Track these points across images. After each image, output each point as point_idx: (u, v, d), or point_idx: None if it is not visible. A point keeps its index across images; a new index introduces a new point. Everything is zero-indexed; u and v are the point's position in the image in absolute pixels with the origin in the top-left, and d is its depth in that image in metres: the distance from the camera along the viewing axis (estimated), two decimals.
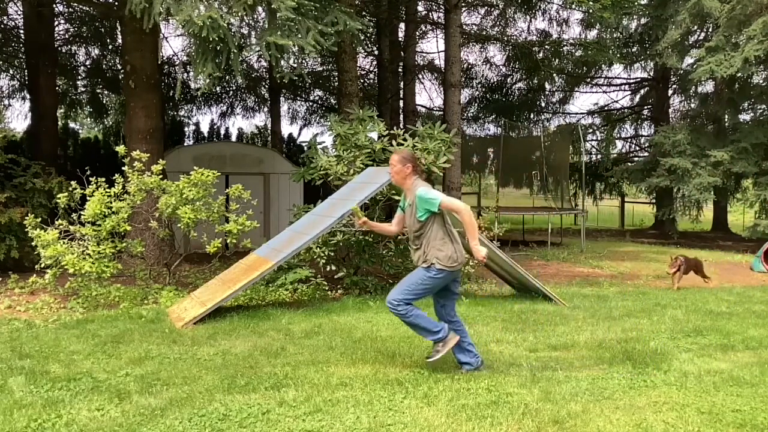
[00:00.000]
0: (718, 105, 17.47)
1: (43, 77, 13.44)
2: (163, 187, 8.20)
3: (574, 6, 16.83)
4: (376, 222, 5.16)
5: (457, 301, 4.95)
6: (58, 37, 16.48)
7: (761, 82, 17.39)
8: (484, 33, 20.75)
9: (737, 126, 16.77)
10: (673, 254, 10.65)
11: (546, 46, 21.06)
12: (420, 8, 18.97)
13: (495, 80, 23.33)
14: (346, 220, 8.27)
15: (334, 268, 8.78)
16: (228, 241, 8.06)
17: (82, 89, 19.80)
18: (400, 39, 18.43)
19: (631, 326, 6.49)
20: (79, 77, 19.11)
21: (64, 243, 7.53)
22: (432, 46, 67.68)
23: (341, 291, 8.49)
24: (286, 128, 27.46)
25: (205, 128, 24.07)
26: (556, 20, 20.90)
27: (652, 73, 22.23)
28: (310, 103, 24.36)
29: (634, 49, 20.02)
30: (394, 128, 9.63)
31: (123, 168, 8.29)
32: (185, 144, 20.35)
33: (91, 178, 7.98)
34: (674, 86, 21.93)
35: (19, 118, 65.95)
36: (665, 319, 6.84)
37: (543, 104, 24.24)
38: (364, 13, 15.60)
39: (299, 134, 34.59)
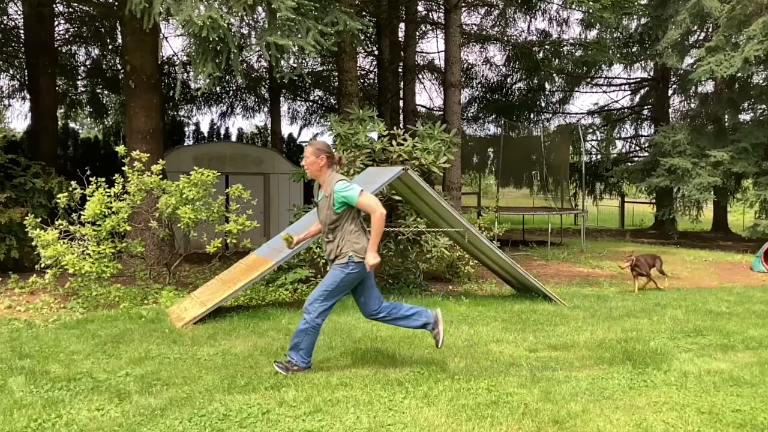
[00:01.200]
0: (718, 105, 17.47)
1: (43, 77, 13.45)
2: (163, 187, 8.20)
3: (574, 6, 16.83)
4: (313, 229, 5.11)
5: (374, 294, 4.80)
6: (58, 37, 16.48)
7: (761, 82, 17.39)
8: (484, 33, 20.75)
9: (737, 126, 16.78)
10: (645, 251, 10.58)
11: (546, 46, 21.06)
12: (420, 8, 18.97)
13: (495, 80, 23.34)
14: None
15: None
16: (228, 241, 8.06)
17: (82, 89, 19.81)
18: (400, 39, 18.43)
19: (631, 326, 6.49)
20: (79, 77, 19.12)
21: (64, 243, 7.54)
22: (432, 46, 67.77)
23: None
24: (286, 128, 27.52)
25: (205, 128, 24.12)
26: (556, 20, 20.92)
27: (652, 73, 22.24)
28: (310, 103, 24.36)
29: (634, 49, 20.02)
30: (394, 128, 9.63)
31: (123, 168, 8.29)
32: (185, 144, 20.36)
33: (91, 178, 7.98)
34: (674, 86, 21.94)
35: (19, 118, 66.02)
36: (665, 319, 6.84)
37: (543, 104, 24.24)
38: (364, 13, 15.60)
39: (299, 134, 34.59)
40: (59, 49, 16.66)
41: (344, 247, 4.53)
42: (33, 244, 7.68)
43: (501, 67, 22.84)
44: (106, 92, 20.29)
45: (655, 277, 9.42)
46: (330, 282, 4.58)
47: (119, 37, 15.67)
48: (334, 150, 4.68)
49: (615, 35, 19.61)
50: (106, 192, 7.92)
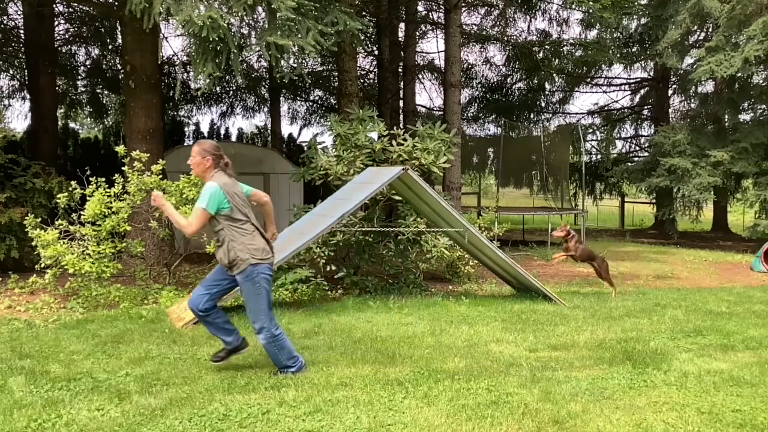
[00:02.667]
0: (718, 105, 17.46)
1: (43, 77, 13.44)
2: (163, 187, 8.20)
3: (574, 6, 16.82)
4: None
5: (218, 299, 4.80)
6: (58, 37, 16.47)
7: (761, 82, 17.38)
8: (484, 33, 20.74)
9: (737, 126, 16.76)
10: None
11: (546, 46, 21.05)
12: (420, 8, 18.97)
13: (495, 80, 23.33)
14: (345, 220, 8.27)
15: (334, 268, 8.78)
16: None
17: (82, 89, 19.80)
18: (400, 39, 18.42)
19: (631, 326, 6.49)
20: (79, 77, 19.11)
21: (64, 243, 7.53)
22: (432, 46, 67.71)
23: (341, 291, 8.49)
24: (286, 128, 27.50)
25: (205, 128, 24.06)
26: (556, 20, 20.90)
27: (652, 73, 22.23)
28: (310, 103, 24.36)
29: (634, 49, 20.00)
30: (394, 128, 9.63)
31: (123, 168, 8.29)
32: (185, 144, 20.34)
33: (91, 178, 7.98)
34: (674, 86, 21.93)
35: (19, 118, 65.96)
36: (665, 319, 6.84)
37: (543, 104, 24.23)
38: (364, 13, 15.60)
39: (299, 134, 34.61)
40: (59, 49, 16.65)
41: (238, 254, 4.43)
42: (33, 244, 7.68)
43: (501, 67, 22.83)
44: (106, 92, 20.28)
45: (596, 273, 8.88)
46: (252, 298, 4.51)
47: (119, 37, 15.66)
48: (221, 152, 4.59)
49: (615, 35, 19.60)
50: (106, 192, 7.92)
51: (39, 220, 7.98)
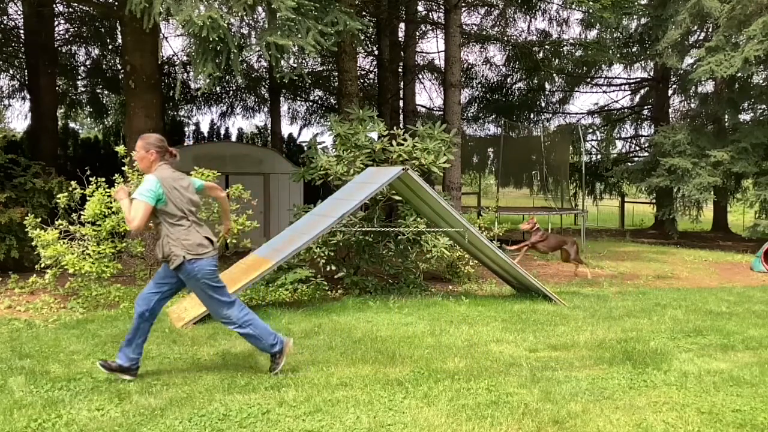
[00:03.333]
0: (718, 105, 17.46)
1: (43, 77, 13.45)
2: None
3: (574, 6, 16.82)
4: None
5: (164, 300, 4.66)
6: (58, 37, 16.49)
7: (761, 82, 17.39)
8: (484, 33, 20.75)
9: (737, 126, 16.76)
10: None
11: (546, 46, 21.06)
12: (420, 8, 18.97)
13: (495, 80, 23.34)
14: (345, 220, 8.27)
15: (334, 268, 8.78)
16: (228, 241, 8.05)
17: (82, 89, 19.81)
18: (400, 39, 18.43)
19: (631, 326, 6.49)
20: (79, 77, 19.12)
21: (64, 243, 7.53)
22: (432, 46, 67.75)
23: (341, 291, 8.49)
24: (286, 128, 27.49)
25: (205, 128, 24.10)
26: (556, 20, 20.91)
27: (652, 73, 22.23)
28: (310, 103, 24.36)
29: (634, 49, 20.01)
30: (394, 128, 9.63)
31: (123, 168, 8.29)
32: (185, 144, 20.35)
33: (91, 178, 7.98)
34: (674, 86, 21.93)
35: (19, 118, 66.01)
36: (665, 319, 6.84)
37: (543, 104, 24.24)
38: (364, 13, 15.59)
39: (299, 134, 34.66)
40: (59, 49, 16.66)
41: (174, 250, 4.35)
42: (33, 244, 7.68)
43: (501, 67, 22.85)
44: (106, 92, 20.30)
45: (572, 261, 8.83)
46: (203, 296, 4.47)
47: (119, 37, 15.67)
48: (166, 145, 4.52)
49: (615, 35, 19.62)
50: (106, 192, 7.92)
51: (39, 220, 7.98)
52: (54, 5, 14.15)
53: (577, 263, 8.62)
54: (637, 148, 24.53)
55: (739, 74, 14.29)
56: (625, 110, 24.54)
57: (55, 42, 15.17)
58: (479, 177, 22.40)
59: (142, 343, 4.57)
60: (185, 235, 4.38)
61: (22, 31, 15.32)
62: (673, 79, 21.49)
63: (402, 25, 18.10)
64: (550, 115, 24.47)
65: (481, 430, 3.70)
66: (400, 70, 18.45)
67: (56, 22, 15.57)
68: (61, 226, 7.74)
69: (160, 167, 4.45)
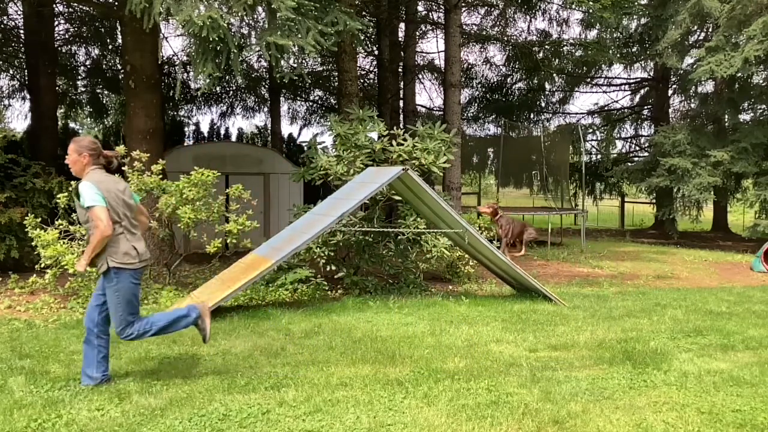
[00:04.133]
0: (718, 105, 17.47)
1: (43, 77, 13.44)
2: (163, 187, 8.20)
3: (574, 6, 16.82)
4: None
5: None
6: (58, 37, 16.48)
7: (761, 82, 17.39)
8: (484, 33, 20.75)
9: (737, 126, 16.77)
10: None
11: (546, 46, 21.06)
12: (420, 8, 18.98)
13: (495, 80, 23.35)
14: (345, 220, 8.27)
15: (334, 268, 8.78)
16: (228, 241, 8.05)
17: (82, 89, 19.81)
18: (400, 39, 18.43)
19: (631, 326, 6.49)
20: (79, 77, 19.12)
21: (64, 243, 7.53)
22: (432, 46, 67.73)
23: (341, 291, 8.49)
24: (286, 128, 27.52)
25: (205, 128, 24.10)
26: (556, 20, 20.92)
27: (652, 73, 22.23)
28: (310, 103, 24.37)
29: (634, 49, 20.02)
30: (394, 128, 9.63)
31: (123, 168, 8.29)
32: (185, 144, 20.36)
33: None
34: (674, 86, 21.94)
35: (19, 118, 65.97)
36: (665, 319, 6.84)
37: (543, 104, 24.25)
38: (364, 13, 15.60)
39: (299, 134, 34.69)
40: (59, 49, 16.66)
41: (100, 253, 4.25)
42: (33, 244, 7.68)
43: (501, 67, 22.86)
44: (106, 92, 20.30)
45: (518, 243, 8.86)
46: (113, 304, 4.30)
47: (119, 37, 15.67)
48: (99, 148, 4.38)
49: (615, 35, 19.62)
50: None
51: (39, 220, 7.98)
52: (54, 5, 14.14)
53: (523, 246, 8.64)
54: (637, 148, 24.53)
55: (739, 74, 14.29)
56: (625, 110, 24.54)
57: (55, 42, 15.16)
58: (479, 177, 22.41)
59: (104, 359, 4.44)
60: (114, 241, 4.26)
61: (22, 31, 15.31)
62: (673, 79, 21.49)
63: (402, 25, 18.10)
64: (550, 115, 24.48)
65: (481, 430, 3.70)
66: (400, 70, 18.45)
67: (56, 22, 15.56)
68: (61, 226, 7.74)
69: (92, 171, 4.32)
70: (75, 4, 14.79)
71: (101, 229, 4.15)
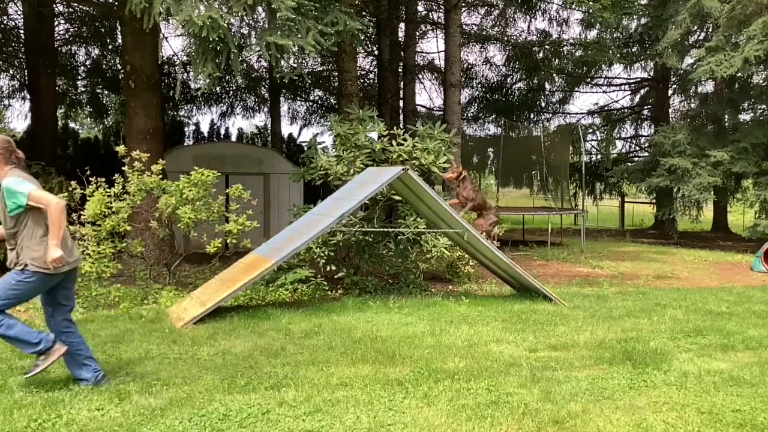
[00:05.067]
0: (718, 105, 17.47)
1: (43, 77, 13.46)
2: (163, 187, 8.20)
3: (574, 6, 16.84)
4: None
5: (72, 311, 4.52)
6: (58, 37, 16.50)
7: (761, 82, 17.40)
8: (484, 33, 20.77)
9: (737, 126, 16.77)
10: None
11: (546, 46, 21.08)
12: (420, 8, 19.00)
13: (495, 80, 23.37)
14: (345, 220, 8.27)
15: (334, 268, 8.78)
16: (228, 241, 8.05)
17: (82, 89, 19.83)
18: (400, 39, 18.44)
19: (631, 326, 6.49)
20: (79, 77, 19.14)
21: None
22: (432, 46, 67.69)
23: (341, 291, 8.49)
24: (286, 128, 27.49)
25: (205, 128, 24.11)
26: (556, 20, 20.95)
27: (652, 73, 22.24)
28: (310, 103, 24.38)
29: (634, 49, 20.03)
30: (394, 128, 9.63)
31: (123, 168, 8.29)
32: (185, 144, 20.37)
33: (91, 178, 7.98)
34: (674, 86, 21.95)
35: (19, 118, 65.97)
36: (665, 319, 6.84)
37: (543, 104, 24.27)
38: (364, 13, 15.61)
39: (299, 134, 34.56)
40: (59, 49, 16.68)
41: (22, 254, 4.13)
42: None
43: (501, 67, 22.88)
44: (106, 92, 20.32)
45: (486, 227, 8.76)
46: (7, 283, 4.17)
47: (119, 37, 15.68)
48: (13, 146, 4.24)
49: (615, 35, 19.63)
50: (106, 192, 7.91)
51: None
52: (54, 5, 14.15)
53: (487, 237, 8.55)
54: (637, 148, 24.55)
55: (739, 74, 14.30)
56: (625, 110, 24.55)
57: (55, 42, 15.18)
58: (479, 177, 22.41)
59: (89, 359, 4.44)
60: (37, 244, 4.14)
61: (22, 31, 15.34)
62: (673, 79, 21.50)
63: (402, 25, 18.11)
64: (550, 115, 24.50)
65: (481, 430, 3.70)
66: (400, 70, 18.46)
67: (56, 22, 15.58)
68: None
69: (10, 170, 4.18)
70: (75, 4, 14.79)
71: (54, 204, 4.04)
